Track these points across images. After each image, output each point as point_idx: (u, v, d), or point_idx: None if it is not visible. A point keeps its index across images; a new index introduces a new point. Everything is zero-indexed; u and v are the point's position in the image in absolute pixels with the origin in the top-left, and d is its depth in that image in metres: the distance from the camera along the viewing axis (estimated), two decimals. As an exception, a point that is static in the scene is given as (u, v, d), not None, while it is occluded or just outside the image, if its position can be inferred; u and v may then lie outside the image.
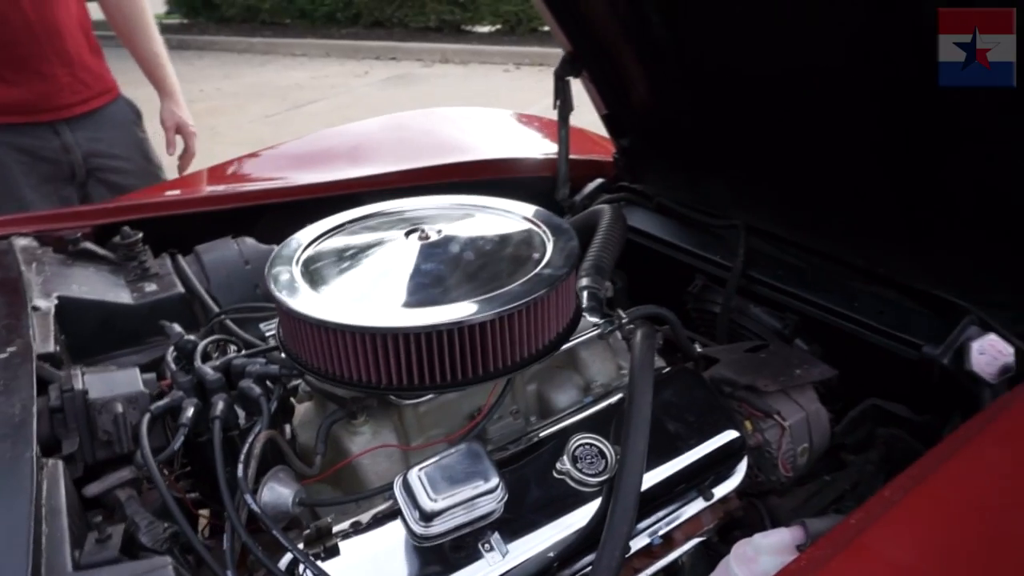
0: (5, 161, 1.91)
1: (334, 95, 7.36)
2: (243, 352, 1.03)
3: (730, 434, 1.01)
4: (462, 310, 0.88)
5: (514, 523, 0.87)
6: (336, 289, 0.95)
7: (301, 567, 0.80)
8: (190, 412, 0.88)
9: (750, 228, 1.42)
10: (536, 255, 1.00)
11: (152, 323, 1.24)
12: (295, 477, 0.91)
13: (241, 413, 0.95)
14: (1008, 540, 0.70)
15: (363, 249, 1.04)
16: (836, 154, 1.26)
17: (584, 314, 1.08)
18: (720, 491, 1.00)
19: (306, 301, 0.91)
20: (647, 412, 0.92)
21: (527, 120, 2.68)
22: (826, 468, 1.20)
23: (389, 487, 0.89)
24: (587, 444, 0.94)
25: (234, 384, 0.96)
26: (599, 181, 1.80)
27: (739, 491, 1.04)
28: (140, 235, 1.38)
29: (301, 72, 8.50)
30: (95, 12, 2.06)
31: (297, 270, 0.99)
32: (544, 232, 1.06)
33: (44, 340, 1.00)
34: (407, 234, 1.04)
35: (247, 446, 0.84)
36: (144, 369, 1.02)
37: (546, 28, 9.02)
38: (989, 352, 1.06)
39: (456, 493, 0.82)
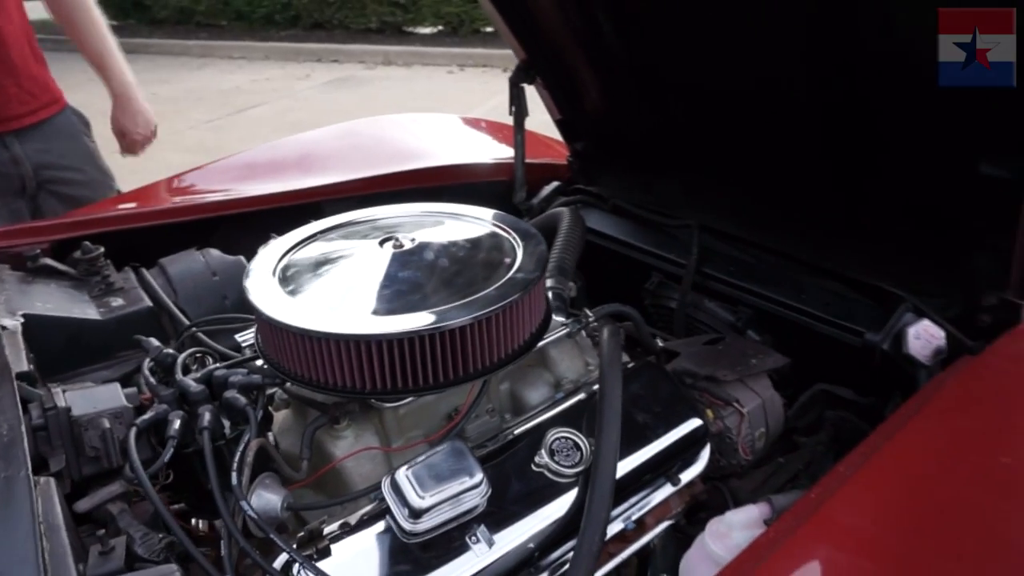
0: (-47, 175, 1.85)
1: (277, 99, 7.25)
2: (223, 363, 1.05)
3: (694, 422, 1.08)
4: (441, 315, 0.92)
5: (498, 515, 0.91)
6: (316, 298, 0.97)
7: (295, 569, 0.83)
8: (177, 424, 0.90)
9: (703, 227, 1.49)
10: (507, 260, 1.04)
11: (120, 338, 1.24)
12: (281, 483, 0.94)
13: (226, 423, 0.96)
14: (946, 502, 0.79)
15: (339, 258, 1.07)
16: (782, 157, 1.34)
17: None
18: (686, 476, 1.07)
19: (288, 311, 0.93)
20: (618, 405, 0.98)
21: (475, 123, 2.72)
22: (780, 451, 1.28)
23: (375, 488, 0.93)
24: (563, 437, 0.99)
25: (216, 395, 0.97)
26: (555, 184, 1.86)
27: (703, 475, 1.11)
28: (102, 250, 1.37)
29: (241, 75, 8.33)
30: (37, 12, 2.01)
31: (275, 280, 1.01)
32: (513, 237, 1.11)
33: (16, 359, 0.99)
34: (381, 242, 1.07)
35: (239, 454, 0.86)
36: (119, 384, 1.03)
37: (489, 29, 9.11)
38: (924, 336, 1.15)
39: (443, 490, 0.86)
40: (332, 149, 2.31)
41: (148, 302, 1.29)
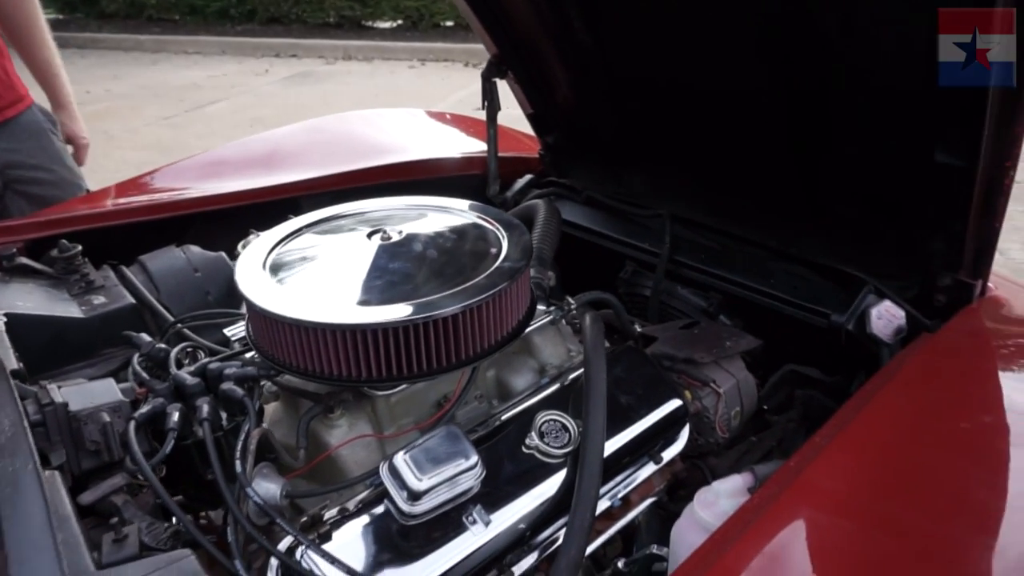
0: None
1: (235, 95, 7.14)
2: (215, 357, 1.06)
3: (674, 403, 1.13)
4: (433, 304, 0.94)
5: (492, 496, 0.94)
6: (309, 289, 0.99)
7: (299, 553, 0.85)
8: (176, 417, 0.91)
9: (674, 217, 1.54)
10: (494, 250, 1.07)
11: (104, 336, 1.24)
12: (279, 472, 0.96)
13: (222, 415, 0.98)
14: (914, 464, 0.86)
15: (328, 251, 1.09)
16: (748, 149, 1.40)
17: (534, 303, 1.16)
18: (668, 454, 1.12)
19: (282, 302, 0.95)
20: (603, 388, 1.02)
21: (440, 117, 2.75)
22: (753, 430, 1.34)
23: (372, 474, 0.95)
24: (551, 420, 1.03)
25: (211, 388, 0.99)
26: (528, 177, 1.90)
27: (683, 454, 1.16)
28: (79, 248, 1.36)
29: (197, 71, 8.18)
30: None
31: (266, 273, 1.02)
32: (496, 228, 1.14)
33: (5, 357, 0.99)
34: (369, 235, 1.10)
35: (241, 442, 0.87)
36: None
37: (449, 23, 9.06)
38: (885, 316, 1.22)
39: (440, 472, 0.89)
40: (303, 145, 2.31)
41: (131, 299, 1.29)
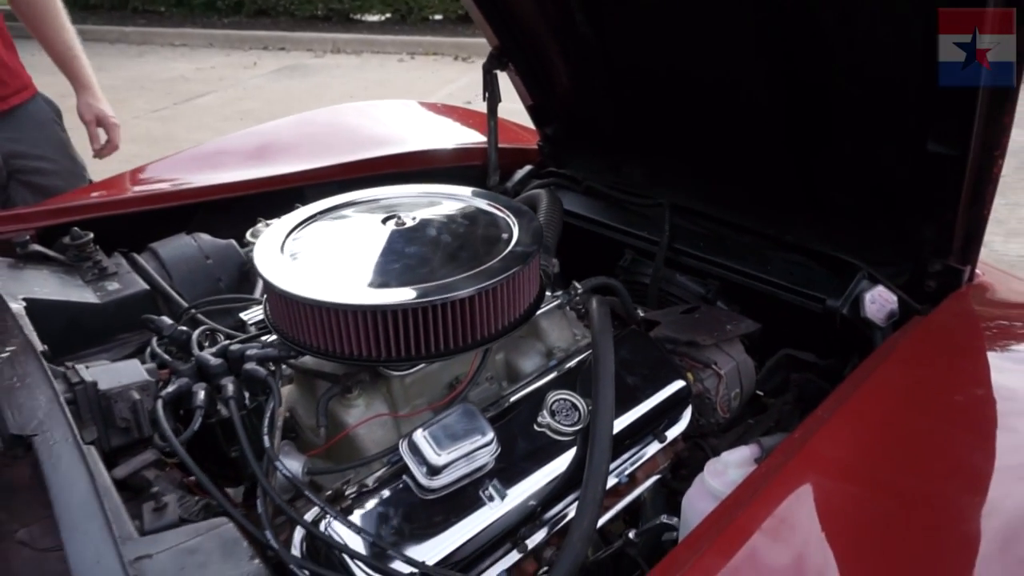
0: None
1: (224, 88, 7.10)
2: (237, 339, 1.09)
3: (678, 384, 1.17)
4: (450, 286, 0.98)
5: (507, 472, 0.98)
6: (328, 272, 1.03)
7: (323, 524, 0.88)
8: (202, 395, 0.94)
9: (673, 205, 1.58)
10: (505, 235, 1.11)
11: (119, 321, 1.27)
12: (300, 450, 0.99)
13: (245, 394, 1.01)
14: (911, 433, 0.92)
15: (344, 236, 1.12)
16: (745, 139, 1.44)
17: (542, 287, 1.20)
18: (672, 433, 1.16)
19: (303, 285, 0.98)
20: (611, 368, 1.06)
21: (434, 108, 2.78)
22: (750, 412, 1.38)
23: (391, 451, 0.99)
24: (562, 399, 1.07)
25: (232, 369, 1.02)
26: (528, 168, 1.93)
27: (684, 434, 1.20)
28: (91, 235, 1.38)
29: (184, 64, 8.12)
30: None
31: (286, 256, 1.05)
32: (507, 214, 1.18)
33: (32, 339, 1.01)
34: (384, 220, 1.13)
35: (268, 419, 0.91)
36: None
37: (438, 17, 9.03)
38: (879, 301, 1.27)
39: (458, 447, 0.93)
40: (301, 137, 2.33)
41: (144, 285, 1.31)
